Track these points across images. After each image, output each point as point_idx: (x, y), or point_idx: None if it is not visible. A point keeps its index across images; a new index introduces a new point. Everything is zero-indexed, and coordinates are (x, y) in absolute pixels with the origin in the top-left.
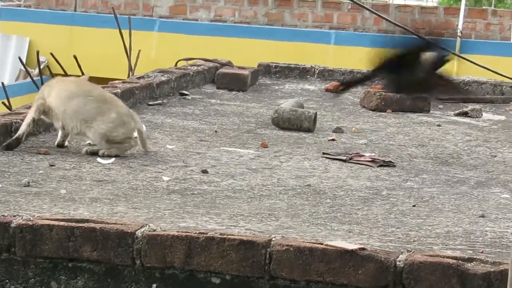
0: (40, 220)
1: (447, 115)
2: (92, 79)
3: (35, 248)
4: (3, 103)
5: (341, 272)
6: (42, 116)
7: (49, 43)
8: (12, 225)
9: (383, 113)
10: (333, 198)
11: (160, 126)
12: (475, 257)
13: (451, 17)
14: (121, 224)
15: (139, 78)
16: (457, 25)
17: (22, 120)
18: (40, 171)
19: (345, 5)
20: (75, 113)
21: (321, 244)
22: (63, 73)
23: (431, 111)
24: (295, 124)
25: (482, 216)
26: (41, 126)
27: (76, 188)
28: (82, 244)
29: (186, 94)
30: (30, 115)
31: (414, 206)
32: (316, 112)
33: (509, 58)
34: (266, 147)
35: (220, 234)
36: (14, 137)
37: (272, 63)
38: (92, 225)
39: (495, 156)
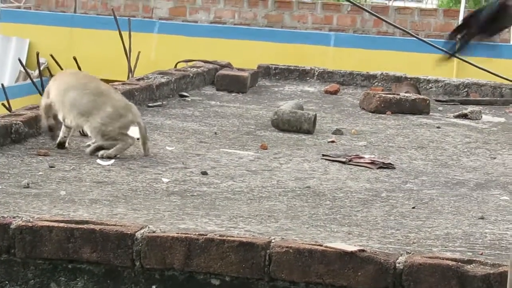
0: (39, 222)
1: (447, 117)
2: None
3: (34, 249)
4: (3, 104)
5: (341, 274)
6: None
7: (49, 44)
8: (12, 226)
9: (382, 115)
10: (333, 200)
11: (160, 128)
12: (474, 259)
13: (450, 19)
14: (121, 225)
15: (138, 79)
16: None
17: (22, 122)
18: (40, 173)
19: (344, 7)
20: (72, 106)
21: (321, 245)
22: None
23: (430, 113)
24: (295, 126)
25: (482, 218)
26: (41, 127)
27: (75, 189)
28: (82, 245)
29: (186, 96)
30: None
31: (413, 208)
32: (315, 114)
33: (508, 60)
34: (266, 149)
35: (220, 236)
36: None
37: (271, 65)
38: (92, 226)
39: (494, 158)
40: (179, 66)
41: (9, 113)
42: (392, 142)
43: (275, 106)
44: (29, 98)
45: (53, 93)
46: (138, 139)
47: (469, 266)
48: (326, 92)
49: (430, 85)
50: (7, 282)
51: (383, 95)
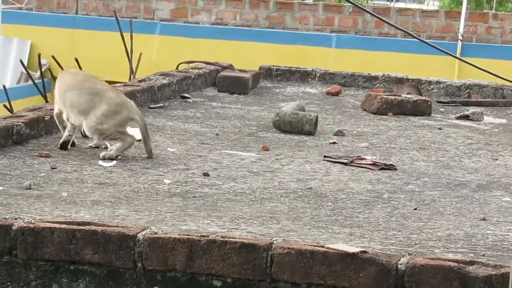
0: (41, 223)
1: (448, 119)
2: None
3: (36, 250)
4: (4, 106)
5: (343, 275)
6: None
7: (51, 46)
8: (14, 227)
9: (384, 116)
10: (334, 201)
11: (162, 129)
12: (476, 260)
13: (452, 21)
14: (123, 227)
15: (140, 81)
16: (458, 29)
17: (24, 123)
18: (42, 174)
19: (346, 9)
20: (71, 106)
21: (323, 247)
22: None
23: (432, 114)
24: (296, 127)
25: (483, 219)
26: (42, 129)
27: (77, 190)
28: (84, 247)
29: (187, 97)
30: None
31: (415, 209)
32: (317, 115)
33: (510, 61)
34: (267, 150)
35: (222, 237)
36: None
37: (273, 66)
38: (94, 228)
39: (496, 159)
40: (181, 67)
41: (10, 114)
42: (394, 143)
43: (277, 108)
44: (30, 99)
45: (56, 93)
46: (139, 140)
47: (471, 267)
48: (328, 93)
49: (431, 86)
50: (9, 283)
51: (385, 96)
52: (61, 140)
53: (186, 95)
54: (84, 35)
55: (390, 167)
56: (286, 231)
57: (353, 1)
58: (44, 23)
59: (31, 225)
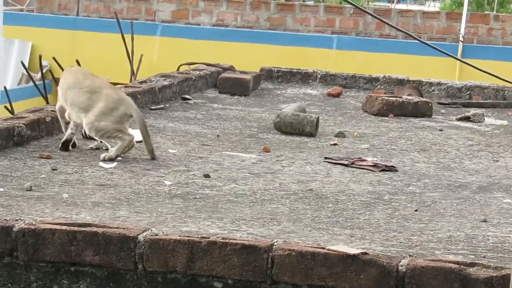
0: (42, 224)
1: (449, 120)
2: None
3: (37, 252)
4: (5, 107)
5: (343, 277)
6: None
7: (52, 47)
8: (15, 229)
9: (385, 118)
10: (335, 203)
11: (162, 131)
12: (477, 261)
13: (453, 22)
14: (123, 228)
15: (141, 82)
16: (459, 30)
17: (25, 124)
18: (42, 175)
19: (347, 10)
20: (72, 105)
21: (323, 248)
22: None
23: (433, 116)
24: (297, 128)
25: (484, 220)
26: (43, 130)
27: (78, 192)
28: (84, 248)
29: (188, 99)
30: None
31: (416, 210)
32: (318, 117)
33: (511, 63)
34: (268, 152)
35: (222, 239)
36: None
37: (274, 67)
38: (94, 229)
39: (497, 161)
40: (182, 69)
41: (11, 116)
42: (395, 144)
43: (278, 109)
44: (31, 101)
45: (59, 90)
46: (140, 141)
47: (471, 269)
48: (329, 94)
49: (432, 87)
50: (9, 285)
51: (386, 98)
52: (63, 139)
53: (187, 96)
54: (85, 37)
55: (391, 169)
56: (287, 233)
57: (354, 3)
58: (45, 25)
59: (32, 227)
